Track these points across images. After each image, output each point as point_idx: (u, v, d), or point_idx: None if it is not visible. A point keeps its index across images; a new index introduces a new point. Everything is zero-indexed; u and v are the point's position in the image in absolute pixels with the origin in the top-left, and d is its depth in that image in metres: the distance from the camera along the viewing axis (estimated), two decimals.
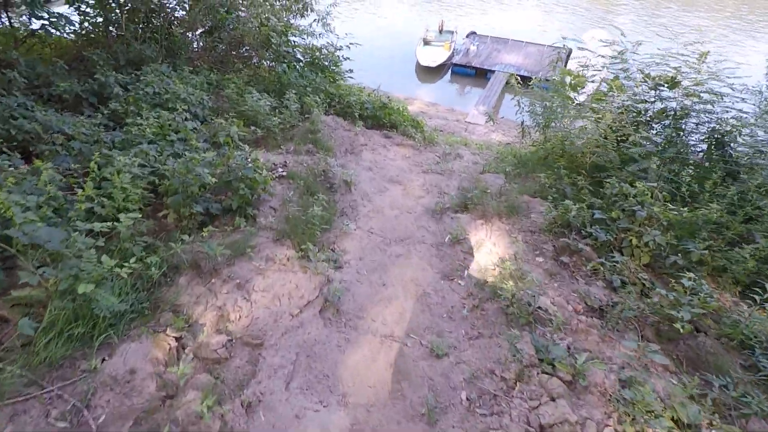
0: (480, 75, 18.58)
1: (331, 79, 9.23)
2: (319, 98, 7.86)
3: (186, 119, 5.60)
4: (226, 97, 7.16)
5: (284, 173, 5.78)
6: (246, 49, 8.73)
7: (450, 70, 19.07)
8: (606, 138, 6.07)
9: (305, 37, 9.33)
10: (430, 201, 6.04)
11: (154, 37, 7.72)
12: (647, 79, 6.38)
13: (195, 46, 8.71)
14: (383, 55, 19.96)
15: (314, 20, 9.55)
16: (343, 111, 8.22)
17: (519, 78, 8.88)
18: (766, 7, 28.24)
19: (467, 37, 20.46)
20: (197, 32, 8.66)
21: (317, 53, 9.19)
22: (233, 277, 3.98)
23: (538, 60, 18.99)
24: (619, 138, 6.21)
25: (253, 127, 6.59)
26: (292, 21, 9.35)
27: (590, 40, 20.46)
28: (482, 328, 3.89)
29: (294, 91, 7.47)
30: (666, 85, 6.26)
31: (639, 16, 26.39)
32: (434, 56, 18.73)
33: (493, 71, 18.24)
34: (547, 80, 17.62)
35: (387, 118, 8.42)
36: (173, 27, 8.28)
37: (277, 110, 7.16)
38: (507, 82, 8.94)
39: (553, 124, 7.71)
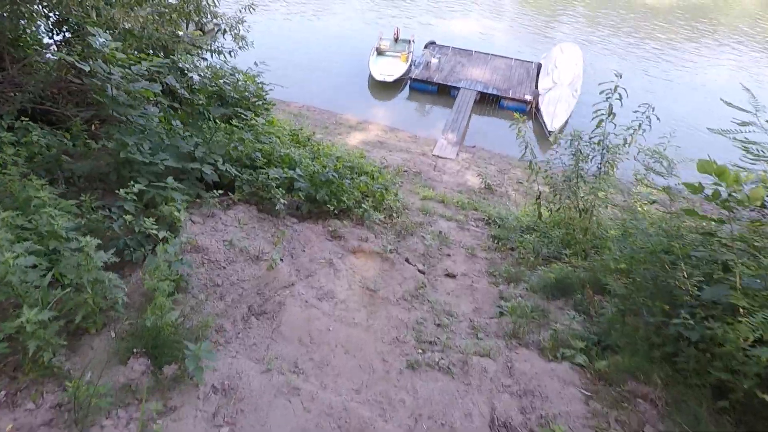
0: (442, 92, 15.28)
1: (252, 119, 5.52)
2: (212, 172, 4.14)
3: None
4: None
5: None
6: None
7: (408, 86, 15.62)
8: None
9: (203, 57, 5.59)
10: None
11: None
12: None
13: None
14: (330, 68, 16.23)
15: (217, 31, 5.79)
16: (256, 194, 4.54)
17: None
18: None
19: (426, 47, 17.05)
20: None
21: (225, 81, 5.41)
22: None
23: (506, 75, 15.92)
24: None
25: None
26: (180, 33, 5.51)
27: (559, 54, 17.73)
28: None
29: (141, 184, 3.55)
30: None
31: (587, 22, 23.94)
32: (390, 69, 15.22)
33: (458, 88, 14.96)
34: (517, 100, 14.23)
35: (333, 199, 4.83)
36: None
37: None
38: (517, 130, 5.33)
39: None
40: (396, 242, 5.17)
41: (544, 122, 13.47)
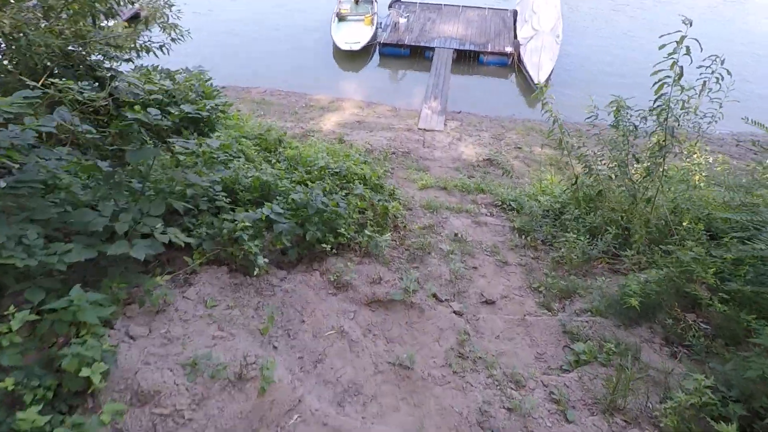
0: (416, 54, 13.73)
1: (200, 141, 4.13)
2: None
3: None
4: None
5: None
6: None
7: (377, 52, 14.00)
8: None
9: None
10: None
11: None
12: None
13: None
14: (290, 44, 14.42)
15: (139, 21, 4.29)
16: (224, 250, 3.22)
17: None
18: None
19: (391, 6, 15.28)
20: None
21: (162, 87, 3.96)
22: None
23: (482, 28, 14.39)
24: None
25: None
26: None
27: None
28: None
29: (26, 310, 2.07)
30: None
31: None
32: (354, 36, 13.56)
33: (433, 48, 13.43)
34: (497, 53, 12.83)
35: (329, 234, 3.57)
36: None
37: None
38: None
39: None
40: (415, 272, 3.97)
41: (529, 74, 12.16)
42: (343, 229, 3.66)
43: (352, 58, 13.53)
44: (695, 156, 4.35)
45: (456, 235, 5.30)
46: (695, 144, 4.33)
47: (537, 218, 5.55)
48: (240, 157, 4.40)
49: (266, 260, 3.19)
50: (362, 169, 5.64)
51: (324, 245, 3.54)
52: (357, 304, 3.36)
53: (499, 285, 4.28)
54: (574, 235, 4.49)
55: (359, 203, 4.23)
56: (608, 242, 4.38)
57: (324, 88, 12.18)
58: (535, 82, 11.81)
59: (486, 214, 6.27)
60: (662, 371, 2.93)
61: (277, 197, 3.77)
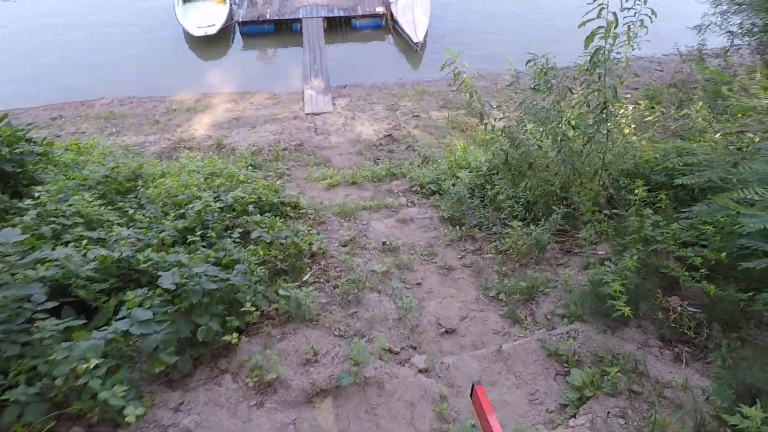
0: (282, 29, 12.22)
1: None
2: None
3: None
4: None
5: None
6: None
7: (238, 32, 12.23)
8: None
9: None
10: None
11: None
12: None
13: None
14: (131, 40, 12.06)
15: None
16: (59, 415, 2.02)
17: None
18: None
19: None
20: None
21: None
22: None
23: None
24: None
25: None
26: None
27: None
28: None
29: None
30: None
31: None
32: (208, 18, 11.63)
33: (299, 20, 12.03)
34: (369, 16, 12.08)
35: (228, 321, 2.51)
36: None
37: None
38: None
39: None
40: (356, 323, 3.06)
41: (406, 34, 11.36)
42: (248, 304, 2.60)
43: (210, 45, 11.62)
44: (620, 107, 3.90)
45: (384, 243, 4.45)
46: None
47: (465, 201, 4.88)
48: (77, 226, 3.02)
49: (147, 391, 2.06)
50: (253, 188, 4.50)
51: (226, 337, 2.47)
52: (295, 406, 2.39)
53: (452, 302, 3.54)
54: (520, 223, 3.87)
55: (261, 251, 3.15)
56: (556, 222, 3.83)
57: (185, 85, 10.29)
58: (415, 41, 11.08)
59: (408, 205, 5.49)
60: (680, 386, 2.41)
61: (142, 281, 2.56)
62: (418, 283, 3.86)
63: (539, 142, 4.00)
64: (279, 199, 4.70)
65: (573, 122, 3.52)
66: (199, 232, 3.25)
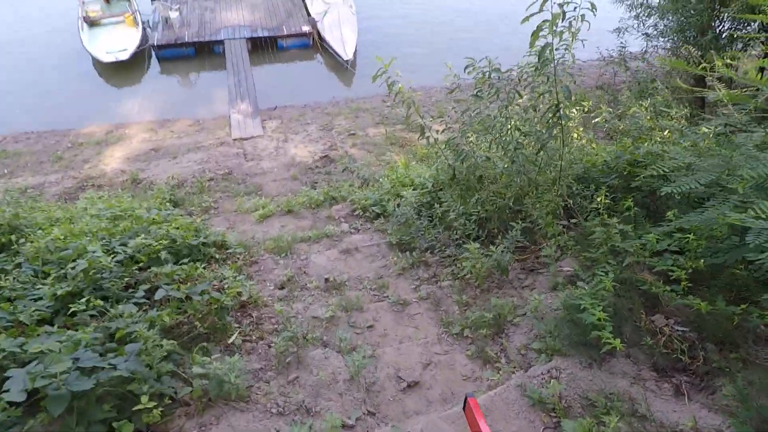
0: (203, 52, 11.42)
1: None
2: None
3: None
4: None
5: None
6: None
7: (154, 56, 11.28)
8: None
9: None
10: None
11: None
12: None
13: None
14: (25, 69, 10.77)
15: None
16: None
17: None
18: None
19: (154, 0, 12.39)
20: None
21: None
22: None
23: (270, 9, 12.64)
24: None
25: None
26: None
27: None
28: None
29: None
30: None
31: None
32: (118, 42, 10.63)
33: (221, 42, 11.30)
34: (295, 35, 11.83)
35: (117, 418, 1.81)
36: None
37: None
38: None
39: None
40: (296, 392, 2.45)
41: (336, 52, 10.96)
42: (144, 398, 1.91)
43: (122, 71, 10.56)
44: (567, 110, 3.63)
45: (327, 280, 3.86)
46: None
47: (412, 222, 4.40)
48: None
49: None
50: (167, 229, 3.76)
51: None
52: None
53: (411, 347, 3.01)
54: (477, 244, 3.43)
55: (167, 316, 2.47)
56: (514, 239, 3.44)
57: (94, 116, 9.19)
58: (345, 58, 10.69)
59: (351, 232, 4.93)
60: (690, 429, 2.02)
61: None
62: (370, 326, 3.30)
63: (486, 152, 3.63)
64: (200, 240, 3.98)
65: (524, 128, 3.17)
66: (86, 298, 2.51)
